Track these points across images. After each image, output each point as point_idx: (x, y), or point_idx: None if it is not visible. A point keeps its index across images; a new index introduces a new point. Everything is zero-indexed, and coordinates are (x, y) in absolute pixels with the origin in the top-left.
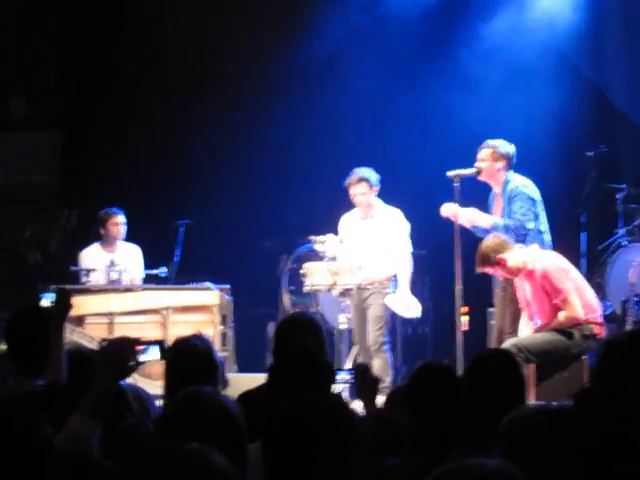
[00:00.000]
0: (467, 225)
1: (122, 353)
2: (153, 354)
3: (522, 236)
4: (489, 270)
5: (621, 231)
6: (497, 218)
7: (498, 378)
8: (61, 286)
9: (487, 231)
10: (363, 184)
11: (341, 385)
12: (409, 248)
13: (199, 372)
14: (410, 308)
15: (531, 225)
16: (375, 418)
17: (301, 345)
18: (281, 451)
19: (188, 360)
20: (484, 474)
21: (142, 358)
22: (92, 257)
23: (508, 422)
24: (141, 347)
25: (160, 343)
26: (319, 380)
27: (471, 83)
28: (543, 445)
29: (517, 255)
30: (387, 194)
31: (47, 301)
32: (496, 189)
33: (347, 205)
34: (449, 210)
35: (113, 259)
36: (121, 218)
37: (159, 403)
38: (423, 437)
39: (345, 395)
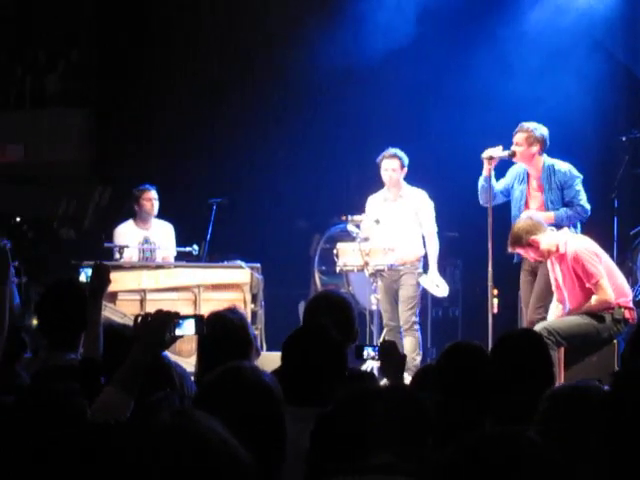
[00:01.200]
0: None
1: (159, 326)
2: (189, 328)
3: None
4: (520, 251)
5: None
6: (556, 212)
7: (524, 356)
8: (100, 261)
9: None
10: (395, 160)
11: (369, 362)
12: (435, 228)
13: (233, 346)
14: (440, 287)
15: (587, 207)
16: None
17: (313, 324)
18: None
19: (223, 334)
20: (518, 443)
21: (178, 332)
22: (126, 234)
23: (548, 399)
24: (177, 320)
25: (197, 317)
26: (330, 358)
27: (508, 66)
28: (581, 423)
29: (549, 238)
30: (421, 176)
31: (84, 276)
32: (533, 172)
33: (379, 186)
34: (490, 152)
35: (147, 236)
36: (154, 194)
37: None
38: (451, 415)
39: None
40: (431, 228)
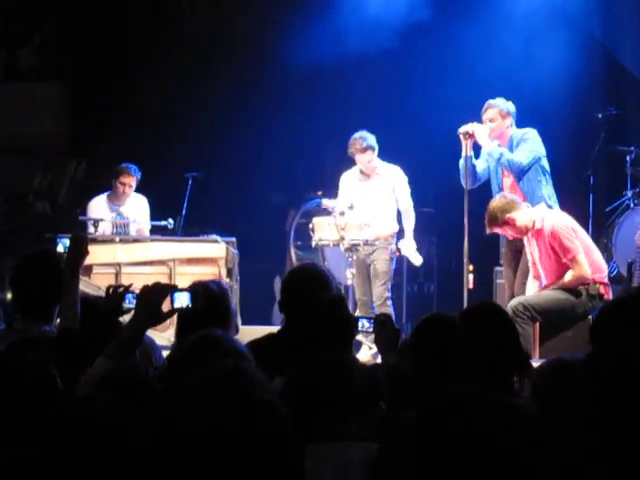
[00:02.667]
0: (482, 141)
1: (156, 299)
2: (184, 301)
3: (517, 173)
4: (498, 230)
5: (629, 193)
6: (498, 148)
7: (485, 329)
8: (78, 232)
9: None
10: (368, 152)
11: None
12: (411, 202)
13: (213, 317)
14: (415, 259)
15: (525, 164)
16: (391, 369)
17: (333, 297)
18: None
19: (204, 304)
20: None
21: (176, 305)
22: (100, 208)
23: (541, 372)
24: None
25: (191, 290)
26: (344, 331)
27: (484, 42)
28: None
29: (525, 214)
30: (396, 152)
31: (62, 247)
32: (502, 145)
33: (354, 161)
34: (467, 127)
35: (120, 212)
36: (132, 180)
37: (166, 354)
38: (428, 387)
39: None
40: (407, 203)
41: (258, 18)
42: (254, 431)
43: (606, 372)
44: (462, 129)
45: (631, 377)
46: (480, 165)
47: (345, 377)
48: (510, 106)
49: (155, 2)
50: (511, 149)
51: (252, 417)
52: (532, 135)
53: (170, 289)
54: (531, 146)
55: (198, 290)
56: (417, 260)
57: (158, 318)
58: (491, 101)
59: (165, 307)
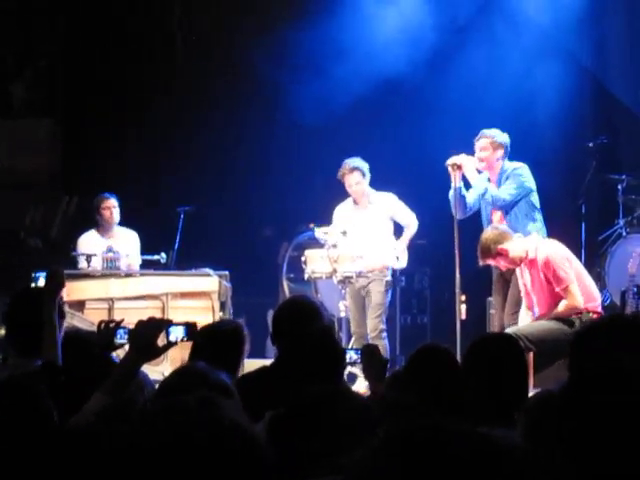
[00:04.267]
0: (468, 174)
1: (151, 333)
2: (179, 335)
3: (500, 209)
4: (491, 262)
5: (621, 222)
6: (483, 182)
7: (499, 359)
8: (53, 265)
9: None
10: (356, 173)
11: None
12: (413, 214)
13: (225, 356)
14: (399, 260)
15: (508, 201)
16: (381, 400)
17: (322, 328)
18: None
19: (219, 343)
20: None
21: (171, 338)
22: (89, 243)
23: (532, 403)
24: (168, 328)
25: (188, 324)
26: (335, 363)
27: (474, 73)
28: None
29: (518, 244)
30: (387, 184)
31: (42, 281)
32: (492, 177)
33: (346, 192)
34: (454, 159)
35: (110, 245)
36: (113, 202)
37: None
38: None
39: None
40: (409, 216)
41: (251, 52)
42: (215, 459)
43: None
44: (450, 161)
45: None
46: (471, 196)
47: (338, 407)
48: (504, 138)
49: (147, 36)
50: (500, 182)
51: (215, 445)
52: (521, 171)
53: (165, 323)
54: (517, 182)
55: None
56: (399, 264)
57: (154, 353)
58: (486, 130)
59: (161, 342)
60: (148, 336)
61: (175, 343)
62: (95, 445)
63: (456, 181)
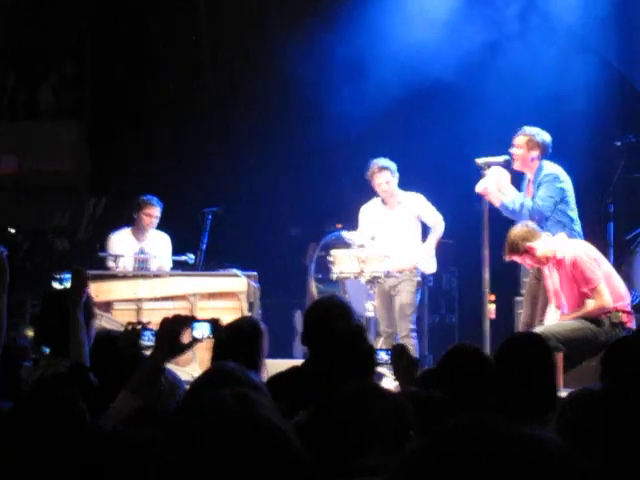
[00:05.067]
0: (496, 202)
1: (175, 331)
2: (205, 331)
3: (539, 221)
4: (517, 259)
5: None
6: (515, 198)
7: (529, 359)
8: (76, 266)
9: (512, 211)
10: (385, 172)
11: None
12: (440, 216)
13: (244, 353)
14: (429, 265)
15: (547, 212)
16: (413, 398)
17: (356, 328)
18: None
19: (236, 340)
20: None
21: (196, 335)
22: (122, 242)
23: (568, 402)
24: (192, 325)
25: (213, 321)
26: (365, 362)
27: (502, 74)
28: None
29: (546, 244)
30: (414, 183)
31: (57, 284)
32: (529, 176)
33: (372, 192)
34: (481, 186)
35: (143, 247)
36: (157, 211)
37: None
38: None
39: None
40: (436, 218)
41: (282, 51)
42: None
43: (620, 402)
44: (477, 190)
45: None
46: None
47: (371, 404)
48: (544, 137)
49: (174, 38)
50: (535, 182)
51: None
52: (554, 177)
53: (190, 320)
54: (550, 191)
55: (233, 325)
56: (427, 268)
57: (178, 349)
58: (526, 128)
59: (186, 339)
60: (173, 333)
61: (200, 340)
62: (129, 446)
63: (494, 202)
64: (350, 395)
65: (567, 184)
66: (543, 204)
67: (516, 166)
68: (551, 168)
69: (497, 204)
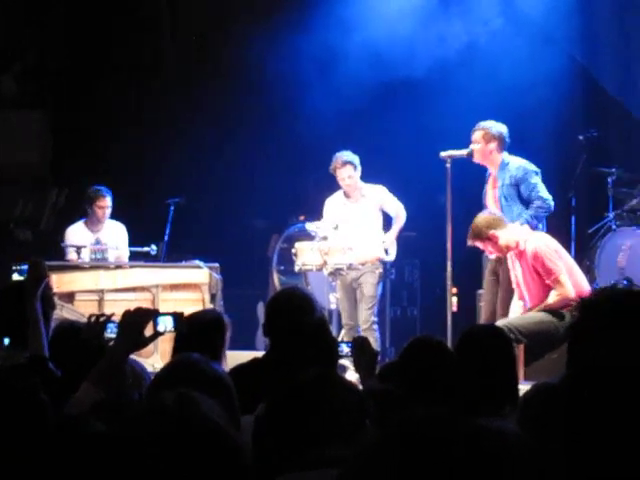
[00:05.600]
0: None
1: (138, 323)
2: (168, 325)
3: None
4: (479, 244)
5: (611, 215)
6: (524, 218)
7: (488, 351)
8: (34, 257)
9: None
10: (348, 167)
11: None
12: (402, 205)
13: (207, 344)
14: (389, 253)
15: (552, 205)
16: (372, 391)
17: (319, 320)
18: (277, 425)
19: (198, 332)
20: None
21: (160, 328)
22: (77, 235)
23: (530, 396)
24: (155, 318)
25: (176, 315)
26: (327, 354)
27: (463, 65)
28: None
29: (509, 233)
30: (377, 176)
31: (17, 275)
32: (491, 169)
33: (336, 185)
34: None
35: (98, 238)
36: (108, 201)
37: None
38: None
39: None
40: (398, 208)
41: (241, 43)
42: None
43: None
44: (445, 153)
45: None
46: None
47: (327, 393)
48: (499, 129)
49: (137, 29)
50: (502, 174)
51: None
52: (533, 172)
53: (152, 313)
54: (536, 181)
55: (196, 317)
56: (387, 256)
57: (141, 342)
58: (481, 123)
59: (148, 332)
60: (135, 326)
61: (162, 333)
62: (88, 439)
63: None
64: (309, 384)
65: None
66: (545, 197)
67: (476, 159)
68: (519, 162)
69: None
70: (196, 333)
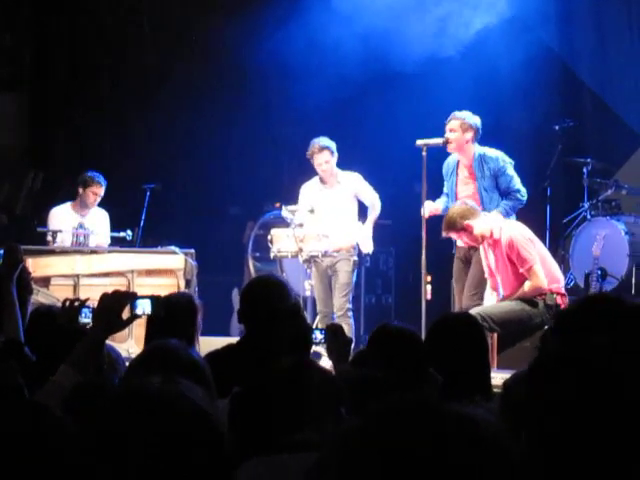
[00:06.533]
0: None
1: (116, 306)
2: (146, 308)
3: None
4: (454, 235)
5: (586, 205)
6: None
7: (460, 338)
8: (10, 241)
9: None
10: (325, 152)
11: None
12: (377, 194)
13: (180, 327)
14: (366, 245)
15: (524, 196)
16: (344, 377)
17: (293, 307)
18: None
19: (172, 314)
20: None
21: (138, 312)
22: (62, 216)
23: (510, 381)
24: (133, 301)
25: (153, 298)
26: (301, 341)
27: (438, 55)
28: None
29: (483, 223)
30: (353, 164)
31: None
32: (464, 160)
33: (312, 172)
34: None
35: (82, 222)
36: (102, 190)
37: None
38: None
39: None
40: (373, 198)
41: (218, 24)
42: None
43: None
44: (420, 141)
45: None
46: (443, 204)
47: (301, 379)
48: (475, 120)
49: (116, 12)
50: (480, 166)
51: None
52: (503, 161)
53: (130, 297)
54: (512, 172)
55: (168, 300)
56: (366, 247)
57: (118, 325)
58: (457, 113)
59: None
60: (113, 309)
61: (140, 316)
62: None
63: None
64: (278, 368)
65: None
66: (519, 189)
67: (451, 148)
68: (495, 153)
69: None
70: (170, 317)
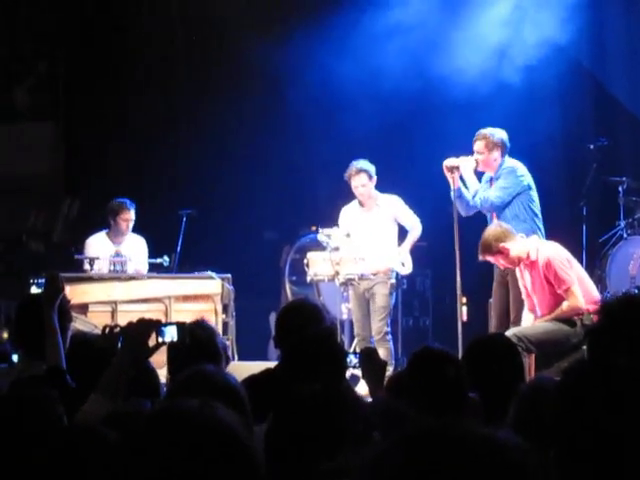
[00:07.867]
0: (465, 177)
1: (142, 334)
2: (172, 335)
3: (489, 211)
4: (490, 259)
5: (622, 223)
6: (474, 185)
7: (495, 360)
8: (51, 271)
9: (463, 198)
10: (363, 175)
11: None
12: (417, 218)
13: (202, 356)
14: (405, 266)
15: (497, 202)
16: (380, 403)
17: (326, 330)
18: (287, 434)
19: (191, 345)
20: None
21: (162, 339)
22: (98, 245)
23: (525, 391)
24: (159, 328)
25: (179, 325)
26: (335, 365)
27: (474, 75)
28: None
29: (520, 245)
30: (388, 187)
31: (35, 288)
32: (491, 174)
33: (348, 195)
34: (450, 162)
35: (118, 250)
36: (132, 214)
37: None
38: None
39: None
40: (414, 220)
41: (257, 49)
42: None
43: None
44: (447, 162)
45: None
46: (468, 197)
47: (333, 406)
48: (501, 135)
49: (146, 39)
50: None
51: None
52: (510, 170)
53: (155, 324)
54: (507, 182)
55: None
56: (404, 270)
57: (144, 352)
58: (482, 131)
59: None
60: (138, 336)
61: (165, 343)
62: (101, 447)
63: (454, 182)
64: (308, 395)
65: (527, 178)
66: (494, 194)
67: (480, 168)
68: (509, 162)
69: (455, 185)
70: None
